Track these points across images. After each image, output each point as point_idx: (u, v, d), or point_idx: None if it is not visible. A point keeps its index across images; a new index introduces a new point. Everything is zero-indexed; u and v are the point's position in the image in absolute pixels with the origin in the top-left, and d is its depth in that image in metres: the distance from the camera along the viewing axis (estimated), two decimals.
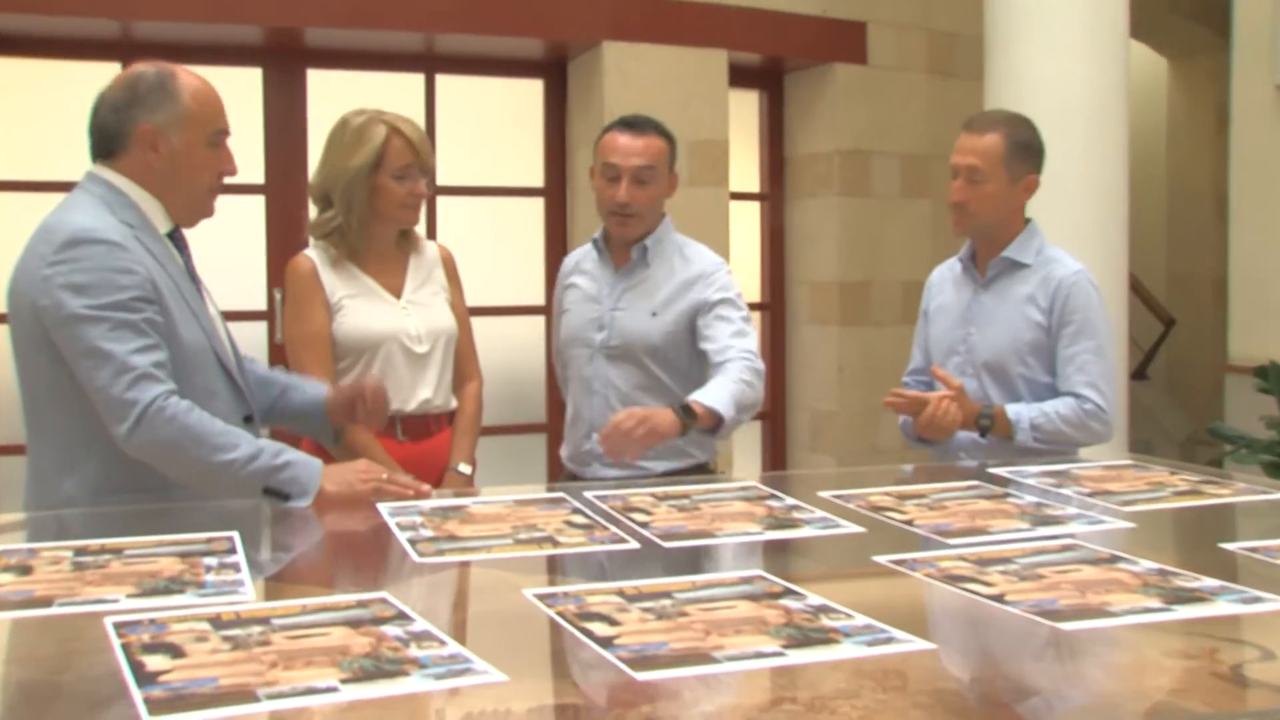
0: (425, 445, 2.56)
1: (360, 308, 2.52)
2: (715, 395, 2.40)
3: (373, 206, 2.51)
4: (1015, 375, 2.61)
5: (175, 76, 2.06)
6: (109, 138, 2.06)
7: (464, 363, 2.68)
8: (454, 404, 2.65)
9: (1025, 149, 2.62)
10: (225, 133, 2.11)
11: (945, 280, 2.81)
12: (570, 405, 2.81)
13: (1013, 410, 2.55)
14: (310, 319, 2.50)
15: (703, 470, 2.70)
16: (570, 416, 2.80)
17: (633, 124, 2.66)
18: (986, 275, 2.68)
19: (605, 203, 2.66)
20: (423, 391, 2.55)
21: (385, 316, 2.53)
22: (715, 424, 2.38)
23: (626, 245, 2.71)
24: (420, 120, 4.54)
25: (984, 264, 2.69)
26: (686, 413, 2.35)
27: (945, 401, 2.50)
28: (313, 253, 2.55)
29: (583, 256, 2.83)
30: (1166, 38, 7.19)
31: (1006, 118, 2.70)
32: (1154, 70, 7.45)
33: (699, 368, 2.66)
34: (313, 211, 2.59)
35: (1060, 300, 2.58)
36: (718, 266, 2.69)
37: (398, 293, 2.57)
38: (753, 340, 2.60)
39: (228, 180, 2.14)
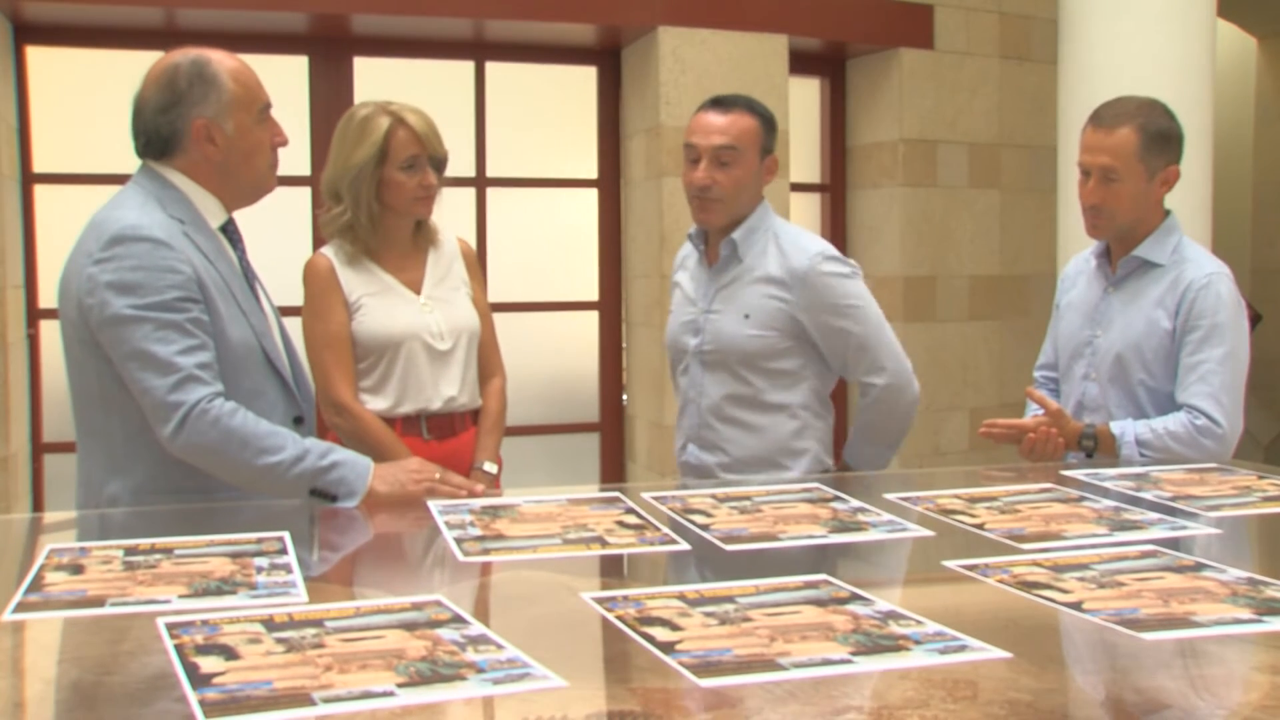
0: (450, 444, 2.53)
1: (380, 306, 2.49)
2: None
3: (383, 200, 2.48)
4: (1136, 383, 2.47)
5: (210, 63, 2.04)
6: (163, 140, 2.04)
7: (487, 359, 2.63)
8: (479, 401, 2.61)
9: (1162, 139, 2.43)
10: (269, 105, 2.10)
11: (1080, 274, 2.66)
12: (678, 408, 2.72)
13: (1117, 427, 2.42)
14: (330, 319, 2.47)
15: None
16: (677, 420, 2.71)
17: (721, 101, 2.52)
18: (1117, 274, 2.53)
19: (687, 187, 2.54)
20: (447, 389, 2.52)
21: (406, 314, 2.50)
22: None
23: (718, 238, 2.57)
24: (470, 109, 4.53)
25: (1117, 261, 2.54)
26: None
27: (1043, 428, 2.40)
28: (330, 251, 2.52)
29: (688, 253, 2.71)
30: (1256, 16, 6.90)
31: (1137, 107, 2.46)
32: (1241, 50, 7.19)
33: (806, 378, 2.53)
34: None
35: (1188, 303, 2.41)
36: (816, 258, 2.48)
37: (417, 289, 2.54)
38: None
39: None
